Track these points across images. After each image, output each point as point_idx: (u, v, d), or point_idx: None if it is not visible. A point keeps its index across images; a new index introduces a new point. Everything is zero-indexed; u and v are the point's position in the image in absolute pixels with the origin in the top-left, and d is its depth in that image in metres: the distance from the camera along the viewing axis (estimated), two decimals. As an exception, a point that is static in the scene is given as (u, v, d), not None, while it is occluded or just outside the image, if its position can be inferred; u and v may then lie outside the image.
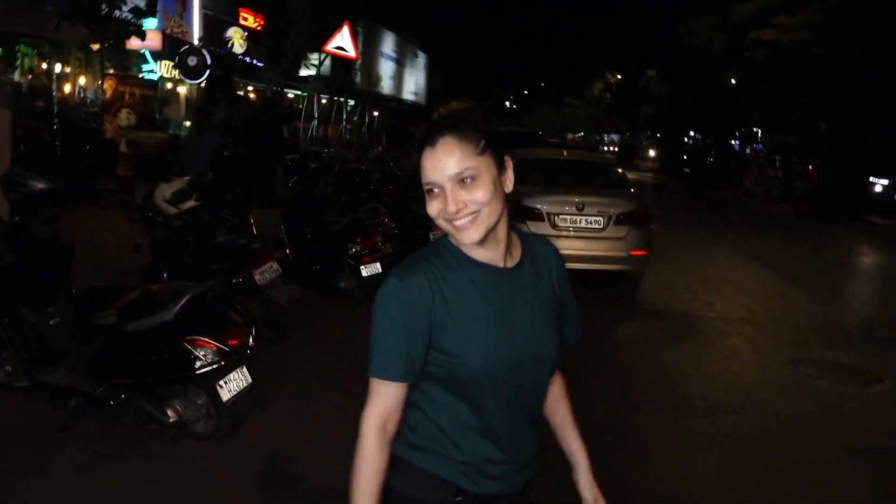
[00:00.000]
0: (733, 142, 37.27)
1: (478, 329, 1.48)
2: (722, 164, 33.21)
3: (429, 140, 1.45)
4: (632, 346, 6.32)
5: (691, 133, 42.59)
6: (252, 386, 3.82)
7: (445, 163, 1.42)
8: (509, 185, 1.50)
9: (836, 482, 3.93)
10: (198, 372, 3.53)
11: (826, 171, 21.14)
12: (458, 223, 1.45)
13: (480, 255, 1.52)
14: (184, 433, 3.81)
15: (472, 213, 1.43)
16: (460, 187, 1.43)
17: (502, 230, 1.52)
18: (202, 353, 3.53)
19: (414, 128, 21.03)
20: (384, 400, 1.51)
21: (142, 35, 11.07)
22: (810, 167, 28.02)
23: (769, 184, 25.33)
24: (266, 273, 5.36)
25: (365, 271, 6.80)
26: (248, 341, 3.79)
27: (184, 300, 3.53)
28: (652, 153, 46.37)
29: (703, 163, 36.72)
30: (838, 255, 12.32)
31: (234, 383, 3.69)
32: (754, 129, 36.06)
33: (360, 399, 1.58)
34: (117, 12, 9.93)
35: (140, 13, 10.43)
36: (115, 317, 3.67)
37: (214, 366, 3.55)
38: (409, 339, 1.47)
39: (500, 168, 1.48)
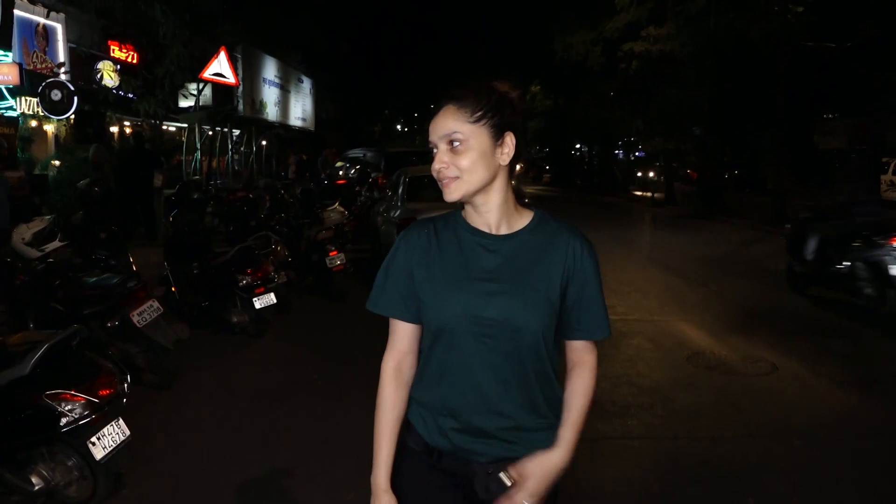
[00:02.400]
0: (617, 151, 38.91)
1: (450, 284, 1.62)
2: (608, 172, 34.51)
3: (437, 105, 1.63)
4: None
5: (577, 145, 44.16)
6: (131, 440, 3.44)
7: (440, 125, 1.60)
8: (505, 158, 1.61)
9: (747, 470, 3.95)
10: (64, 430, 3.12)
11: (703, 172, 22.30)
12: (441, 182, 1.61)
13: (475, 219, 1.66)
14: (55, 501, 3.37)
15: (453, 177, 1.58)
16: (450, 150, 1.59)
17: (495, 198, 1.63)
18: (68, 407, 3.13)
19: (328, 152, 20.65)
20: (396, 341, 1.72)
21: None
22: (688, 170, 29.63)
23: (653, 188, 26.50)
24: (145, 313, 4.93)
25: (258, 303, 6.44)
26: (123, 390, 3.41)
27: (41, 351, 3.12)
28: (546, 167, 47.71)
29: (590, 172, 38.11)
30: (724, 250, 12.90)
31: (109, 438, 3.29)
32: (633, 138, 37.84)
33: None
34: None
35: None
36: (-40, 377, 3.20)
37: (83, 421, 3.16)
38: (395, 279, 1.68)
39: (496, 140, 1.60)
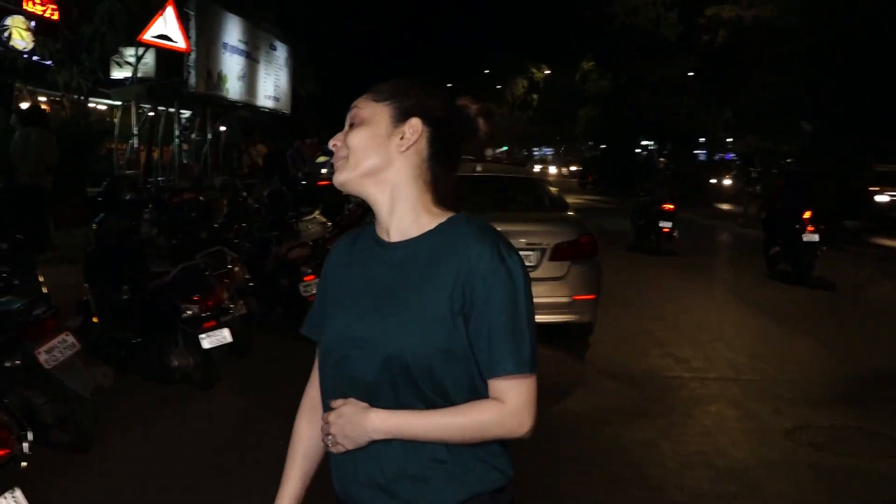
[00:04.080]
0: (697, 151, 38.96)
1: (337, 300, 1.90)
2: (686, 179, 34.50)
3: None
4: (582, 421, 6.24)
5: (643, 142, 44.27)
6: (31, 519, 3.47)
7: (355, 103, 1.88)
8: (403, 144, 1.82)
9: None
10: (-58, 503, 3.16)
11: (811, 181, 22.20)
12: (336, 164, 1.86)
13: (378, 224, 1.90)
14: None
15: (343, 156, 1.83)
16: (347, 129, 1.85)
17: (389, 194, 1.84)
18: (-52, 472, 3.17)
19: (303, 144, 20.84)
20: (315, 368, 1.97)
21: None
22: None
23: (746, 201, 26.42)
24: (56, 350, 4.97)
25: (206, 342, 6.46)
26: (22, 451, 3.45)
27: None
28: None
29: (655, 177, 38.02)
30: (842, 288, 12.82)
31: (2, 516, 3.32)
32: (722, 135, 37.86)
33: None
34: None
35: None
36: None
37: (-32, 491, 3.19)
38: (319, 297, 1.99)
39: (396, 122, 1.83)
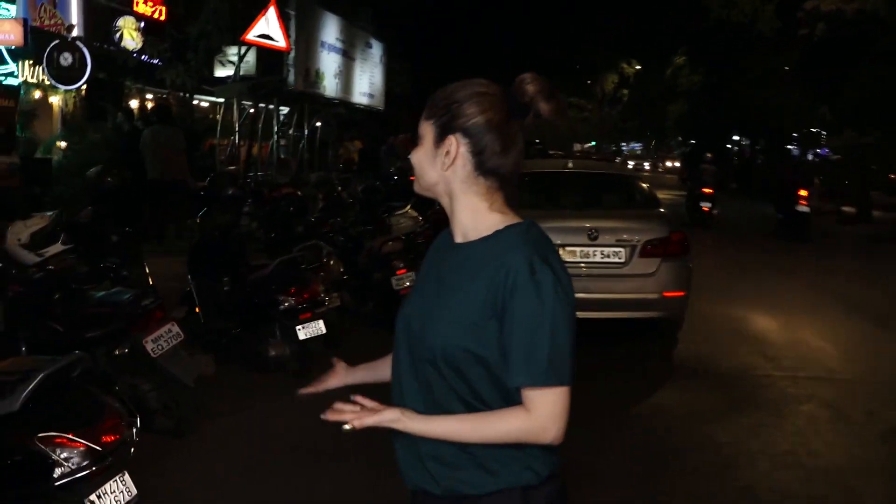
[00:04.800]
0: (791, 146, 37.85)
1: (412, 291, 2.07)
2: (778, 175, 33.54)
3: None
4: (672, 419, 6.16)
5: (735, 137, 43.21)
6: (139, 501, 3.59)
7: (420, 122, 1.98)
8: (446, 162, 1.90)
9: None
10: (57, 484, 3.29)
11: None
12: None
13: (451, 222, 1.99)
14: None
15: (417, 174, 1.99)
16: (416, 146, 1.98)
17: (453, 203, 1.94)
18: (63, 455, 3.30)
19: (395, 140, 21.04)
20: None
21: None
22: (893, 175, 28.44)
23: (841, 199, 25.56)
24: (162, 340, 5.14)
25: (302, 333, 6.60)
26: (132, 437, 3.57)
27: (34, 383, 3.30)
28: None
29: (752, 173, 37.03)
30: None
31: (111, 497, 3.45)
32: (814, 130, 36.69)
33: None
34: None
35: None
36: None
37: (82, 474, 3.32)
38: None
39: (438, 142, 1.92)
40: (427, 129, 1.93)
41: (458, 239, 1.95)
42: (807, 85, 26.99)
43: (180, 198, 11.99)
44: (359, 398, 1.88)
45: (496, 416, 1.80)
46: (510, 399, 1.80)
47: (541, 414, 1.77)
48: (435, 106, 1.93)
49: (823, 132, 36.37)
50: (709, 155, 23.69)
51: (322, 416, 1.90)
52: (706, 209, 20.40)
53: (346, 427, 1.87)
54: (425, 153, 1.94)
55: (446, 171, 1.90)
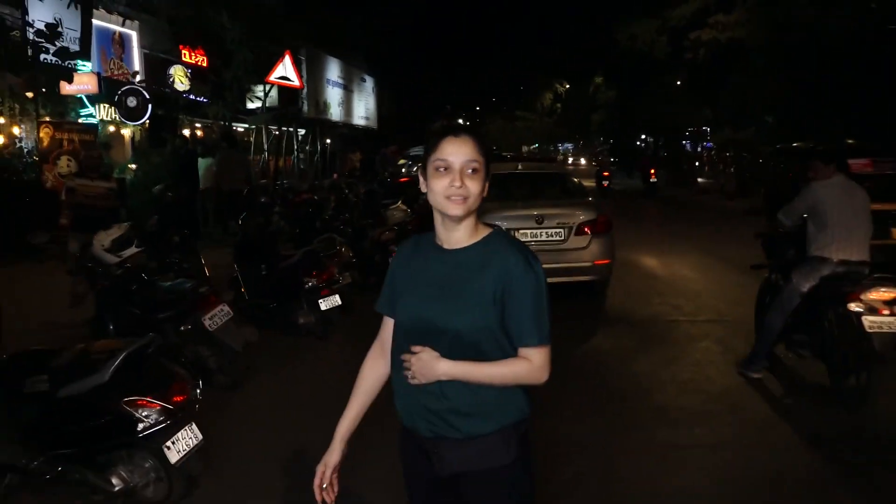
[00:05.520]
0: (684, 142, 37.94)
1: (408, 288, 1.97)
2: (675, 165, 33.66)
3: (453, 132, 1.89)
4: (603, 357, 6.17)
5: (642, 136, 43.24)
6: (203, 444, 3.56)
7: (464, 150, 1.86)
8: (485, 191, 1.90)
9: (815, 483, 3.80)
10: (141, 435, 3.26)
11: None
12: (453, 198, 1.85)
13: (441, 235, 1.95)
14: (133, 501, 3.52)
15: (464, 196, 1.84)
16: (466, 173, 1.85)
17: (471, 219, 1.92)
18: (144, 413, 3.27)
19: (387, 150, 20.84)
20: (382, 331, 2.12)
21: (69, 78, 10.71)
22: (761, 160, 28.58)
23: (723, 180, 25.73)
24: (216, 317, 5.09)
25: (324, 305, 6.56)
26: (196, 395, 3.54)
27: (119, 359, 3.26)
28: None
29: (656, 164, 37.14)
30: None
31: (183, 443, 3.42)
32: (704, 128, 36.80)
33: (321, 448, 1.96)
34: (43, 56, 9.55)
35: (66, 54, 10.07)
36: (46, 383, 3.38)
37: (159, 427, 3.29)
38: (388, 283, 2.06)
39: (487, 175, 1.91)
40: (482, 162, 1.87)
41: (447, 246, 1.94)
42: (693, 94, 27.08)
43: (241, 202, 12.02)
44: (416, 348, 1.89)
45: (508, 364, 1.88)
46: (506, 356, 1.88)
47: (539, 362, 1.89)
48: (483, 143, 1.89)
49: (708, 130, 36.49)
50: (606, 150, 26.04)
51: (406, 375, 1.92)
52: (605, 185, 25.52)
53: (412, 382, 1.90)
54: (483, 184, 1.88)
55: (485, 195, 1.91)
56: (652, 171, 25.42)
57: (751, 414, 4.79)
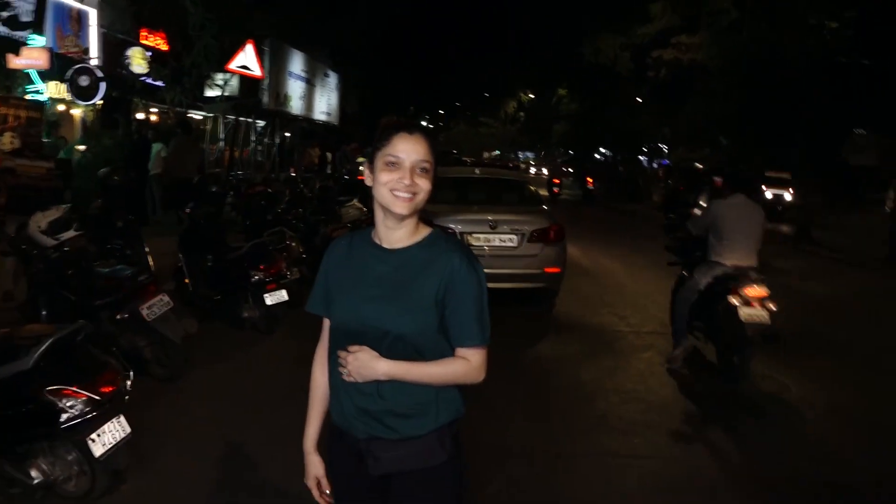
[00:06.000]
0: (642, 157, 38.56)
1: (346, 288, 1.91)
2: (631, 179, 34.16)
3: (407, 128, 1.86)
4: (549, 363, 6.19)
5: (601, 150, 43.80)
6: (132, 437, 3.43)
7: (417, 149, 1.84)
8: (432, 190, 1.88)
9: (761, 493, 3.87)
10: (64, 426, 3.12)
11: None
12: (400, 195, 1.82)
13: (381, 234, 1.91)
14: (53, 494, 3.38)
15: (413, 194, 1.82)
16: (417, 172, 1.83)
17: (414, 220, 1.89)
18: (68, 403, 3.13)
19: (347, 147, 20.61)
20: (323, 333, 2.04)
21: (15, 50, 10.31)
22: (715, 179, 29.24)
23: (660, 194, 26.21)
24: (155, 307, 4.94)
25: (269, 299, 6.43)
26: (126, 387, 3.41)
27: (45, 345, 3.12)
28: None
29: (613, 178, 37.69)
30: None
31: (109, 435, 3.29)
32: (661, 145, 37.50)
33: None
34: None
35: (16, 24, 9.66)
36: (-36, 367, 3.21)
37: (84, 418, 3.15)
38: (320, 282, 2.00)
39: (435, 178, 1.89)
40: (432, 163, 1.86)
41: (387, 245, 1.91)
42: (652, 111, 27.57)
43: (191, 191, 11.83)
44: (353, 347, 1.86)
45: (446, 363, 1.88)
46: (443, 355, 1.88)
47: (477, 363, 1.90)
48: (434, 145, 1.87)
49: (665, 147, 37.17)
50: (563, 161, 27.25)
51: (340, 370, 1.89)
52: (556, 191, 28.14)
53: (348, 379, 1.88)
54: (431, 182, 1.87)
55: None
56: (589, 179, 29.16)
57: (689, 427, 4.85)
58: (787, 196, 21.14)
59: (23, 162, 6.94)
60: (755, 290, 5.46)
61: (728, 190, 6.00)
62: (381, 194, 1.86)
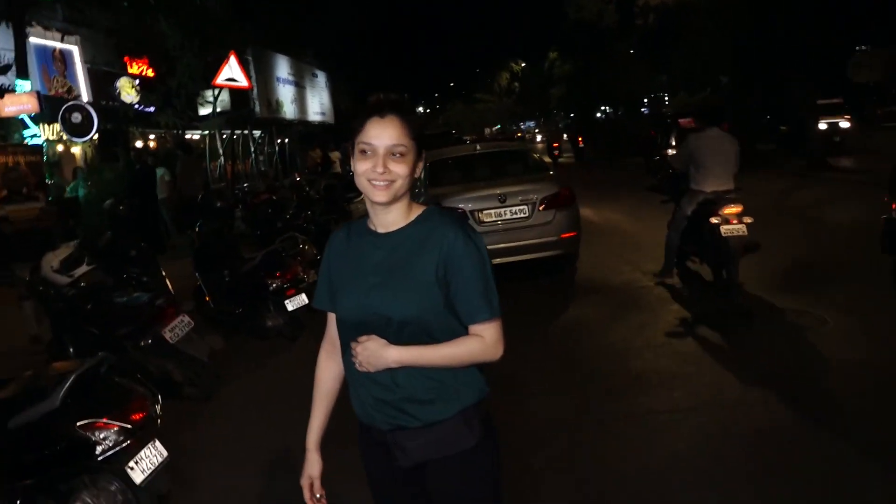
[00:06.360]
0: (644, 109, 38.10)
1: (348, 280, 1.86)
2: (639, 132, 33.78)
3: (378, 111, 1.77)
4: (579, 328, 6.12)
5: (603, 107, 43.33)
6: (170, 460, 3.42)
7: (389, 133, 1.75)
8: (418, 171, 1.83)
9: (803, 438, 3.79)
10: (101, 458, 3.11)
11: (735, 122, 21.68)
12: (376, 184, 1.76)
13: (374, 220, 1.86)
14: (103, 527, 3.38)
15: (389, 181, 1.76)
16: (391, 157, 1.76)
17: (402, 202, 1.83)
18: (102, 436, 3.12)
19: (348, 144, 20.54)
20: (328, 328, 2.01)
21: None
22: (680, 121, 28.84)
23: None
24: (177, 329, 4.94)
25: (290, 305, 6.42)
26: (156, 411, 3.39)
27: (68, 382, 3.10)
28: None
29: (619, 134, 37.27)
30: (764, 201, 12.48)
31: (147, 461, 3.27)
32: (661, 94, 37.02)
33: (300, 451, 1.92)
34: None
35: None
36: (-6, 415, 3.21)
37: (119, 447, 3.14)
38: (323, 277, 1.95)
39: (418, 156, 1.82)
40: (411, 146, 1.78)
41: (381, 230, 1.86)
42: (647, 61, 27.14)
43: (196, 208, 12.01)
44: (362, 338, 1.81)
45: (460, 343, 1.81)
46: (456, 334, 1.81)
47: (493, 338, 1.82)
48: (411, 124, 1.78)
49: (665, 95, 36.73)
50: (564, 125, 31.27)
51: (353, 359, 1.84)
52: (556, 154, 30.17)
53: (361, 370, 1.83)
54: (410, 166, 1.79)
55: (417, 176, 1.83)
56: (579, 139, 32.30)
57: (725, 375, 4.77)
58: (844, 124, 19.83)
59: (14, 207, 6.94)
60: (731, 209, 6.17)
61: (702, 124, 6.73)
62: (360, 183, 1.81)
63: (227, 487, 3.88)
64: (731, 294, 6.16)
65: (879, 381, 4.36)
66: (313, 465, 2.01)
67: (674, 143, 16.96)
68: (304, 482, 2.01)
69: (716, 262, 6.45)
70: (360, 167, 1.78)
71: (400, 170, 1.77)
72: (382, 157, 1.75)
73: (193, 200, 11.60)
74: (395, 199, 1.80)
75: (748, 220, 6.14)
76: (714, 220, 6.17)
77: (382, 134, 1.76)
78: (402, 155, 1.77)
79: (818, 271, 7.16)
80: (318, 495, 2.01)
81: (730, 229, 6.11)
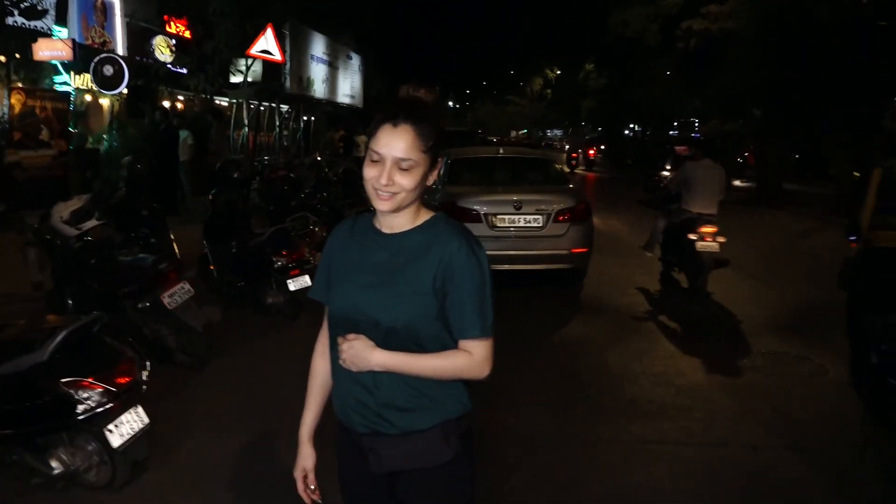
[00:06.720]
0: (672, 132, 37.88)
1: (344, 275, 1.83)
2: (663, 154, 33.56)
3: (392, 119, 1.71)
4: (577, 346, 6.06)
5: (631, 125, 43.13)
6: (150, 427, 3.41)
7: (398, 145, 1.69)
8: (432, 180, 1.77)
9: (789, 485, 3.73)
10: (81, 417, 3.10)
11: (762, 157, 21.47)
12: (380, 194, 1.72)
13: (381, 219, 1.81)
14: (74, 484, 3.38)
15: (393, 193, 1.71)
16: (397, 169, 1.70)
17: (411, 208, 1.78)
18: (85, 395, 3.12)
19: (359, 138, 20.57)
20: (325, 320, 1.94)
21: (32, 39, 10.36)
22: (746, 153, 28.61)
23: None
24: (176, 295, 4.93)
25: (292, 285, 6.41)
26: (142, 378, 3.38)
27: (59, 337, 3.10)
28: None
29: (644, 153, 37.08)
30: (780, 240, 12.36)
31: (127, 426, 3.27)
32: (692, 119, 36.77)
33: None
34: (13, 20, 9.21)
35: (34, 14, 9.69)
36: (-19, 360, 3.21)
37: (100, 409, 3.14)
38: (323, 268, 1.91)
39: (432, 166, 1.75)
40: (422, 159, 1.70)
41: (387, 230, 1.81)
42: (681, 83, 26.95)
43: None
44: (350, 336, 1.76)
45: (447, 356, 1.77)
46: (445, 347, 1.77)
47: (481, 356, 1.78)
48: (426, 135, 1.70)
49: (696, 120, 36.48)
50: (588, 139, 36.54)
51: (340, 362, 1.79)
52: (574, 164, 34.15)
53: (344, 367, 1.79)
54: (419, 178, 1.72)
55: (430, 184, 1.78)
56: (591, 152, 36.66)
57: (721, 409, 4.71)
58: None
59: (27, 153, 6.93)
60: (708, 228, 7.31)
61: (699, 155, 7.76)
62: (367, 189, 1.76)
63: (205, 458, 3.86)
64: (699, 299, 7.43)
65: (871, 436, 4.28)
66: (305, 457, 1.98)
67: (668, 167, 17.37)
68: (298, 474, 1.98)
69: (691, 272, 7.58)
70: (368, 173, 1.73)
71: (406, 183, 1.71)
72: (389, 169, 1.70)
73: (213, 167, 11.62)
74: (398, 209, 1.76)
75: (721, 239, 7.29)
76: (692, 237, 7.28)
77: (392, 144, 1.70)
78: (409, 169, 1.71)
79: (826, 316, 7.05)
80: (311, 487, 1.98)
81: (704, 245, 7.24)
